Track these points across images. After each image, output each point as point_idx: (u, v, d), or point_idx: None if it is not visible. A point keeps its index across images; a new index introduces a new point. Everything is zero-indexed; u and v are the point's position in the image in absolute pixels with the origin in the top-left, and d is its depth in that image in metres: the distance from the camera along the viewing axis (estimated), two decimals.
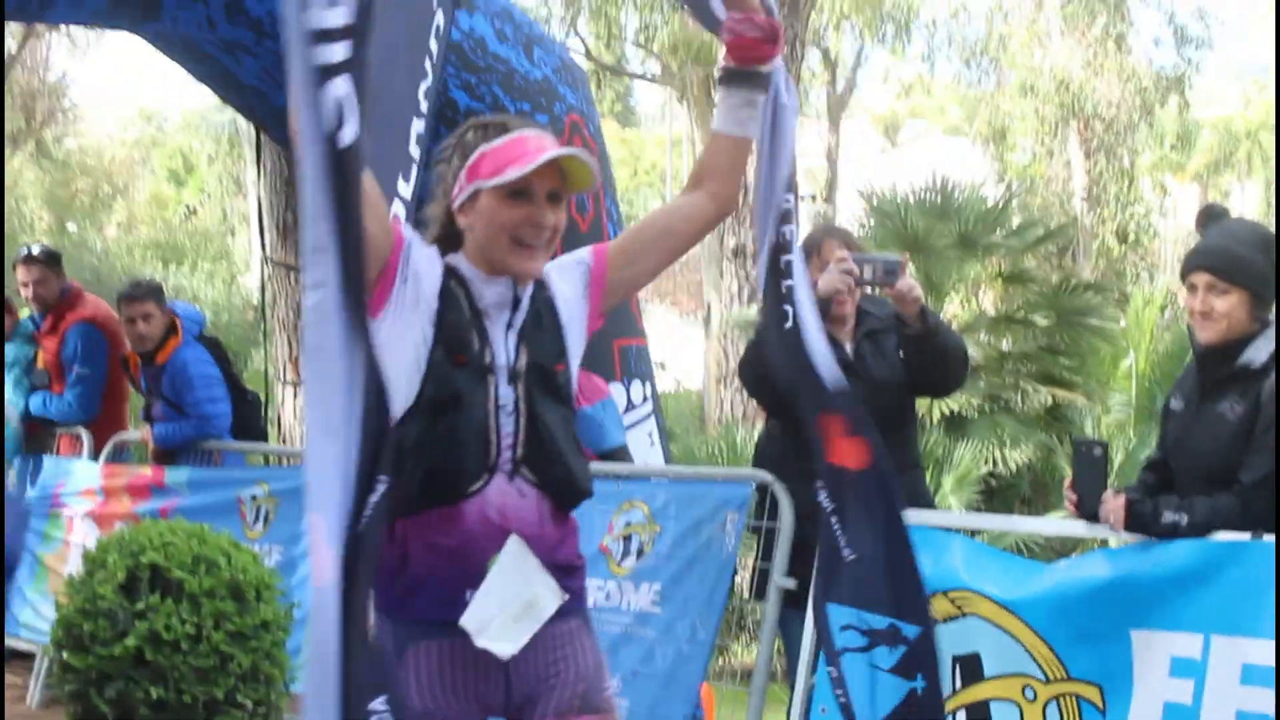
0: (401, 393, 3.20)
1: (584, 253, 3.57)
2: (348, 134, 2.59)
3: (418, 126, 6.72)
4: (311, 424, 2.57)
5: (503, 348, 3.32)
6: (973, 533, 5.77)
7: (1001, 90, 30.58)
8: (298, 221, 9.48)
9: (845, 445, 3.74)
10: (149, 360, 8.47)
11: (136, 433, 8.70)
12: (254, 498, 7.83)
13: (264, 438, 8.86)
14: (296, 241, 9.86)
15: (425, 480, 3.21)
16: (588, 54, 28.34)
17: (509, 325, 3.35)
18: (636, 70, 31.80)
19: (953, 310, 11.39)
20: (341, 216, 2.59)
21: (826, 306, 5.64)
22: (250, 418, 8.71)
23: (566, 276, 3.51)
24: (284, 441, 10.04)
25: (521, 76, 8.43)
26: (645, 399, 8.23)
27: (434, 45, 6.92)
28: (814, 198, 30.48)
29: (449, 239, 3.40)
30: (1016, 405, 10.59)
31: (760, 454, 6.20)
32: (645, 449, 8.25)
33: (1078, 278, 13.84)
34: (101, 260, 24.51)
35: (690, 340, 27.46)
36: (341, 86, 2.59)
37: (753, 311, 12.14)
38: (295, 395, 10.02)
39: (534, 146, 3.26)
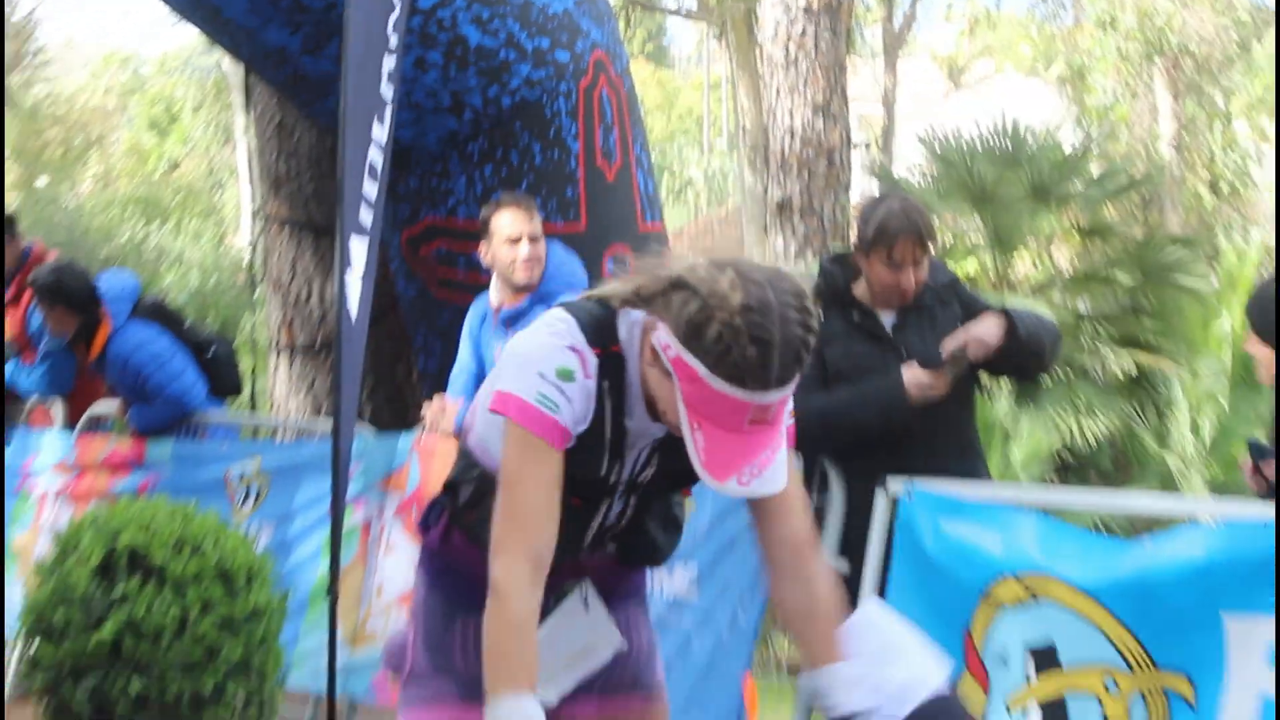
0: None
1: None
2: None
3: (388, 64, 6.71)
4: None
5: (632, 463, 3.27)
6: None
7: (1080, 26, 30.33)
8: (291, 172, 9.46)
9: None
10: (86, 353, 8.48)
11: (110, 404, 8.68)
12: (243, 475, 7.83)
13: (238, 389, 8.83)
14: (290, 194, 9.89)
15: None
16: None
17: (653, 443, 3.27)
18: (669, 5, 31.74)
19: (1024, 268, 11.34)
20: None
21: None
22: (219, 373, 8.62)
23: None
24: (276, 413, 10.02)
25: (539, 10, 8.39)
26: None
27: None
28: (868, 146, 30.41)
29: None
30: (1095, 372, 10.54)
31: None
32: None
33: (1164, 231, 13.76)
34: (75, 218, 24.51)
35: None
36: None
37: (799, 270, 12.09)
38: (290, 363, 9.99)
39: (745, 419, 2.93)
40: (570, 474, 3.13)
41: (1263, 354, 4.65)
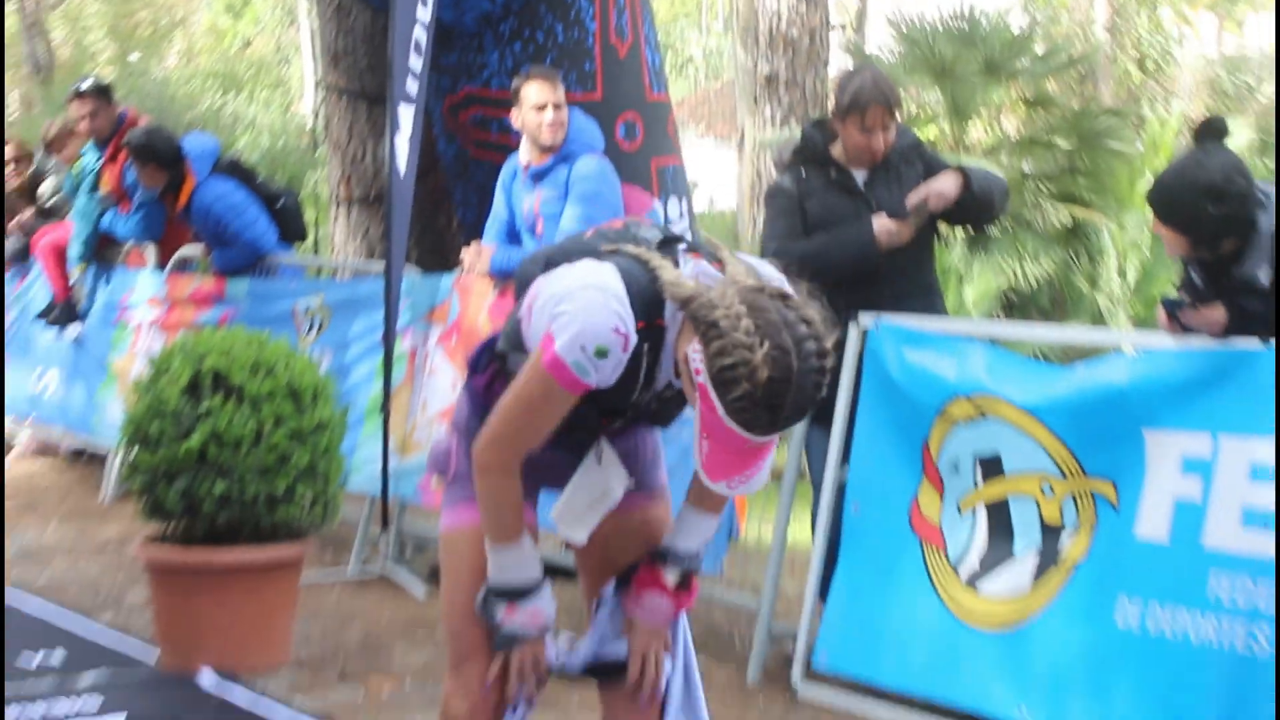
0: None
1: None
2: None
3: None
4: None
5: (657, 387, 3.21)
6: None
7: None
8: (348, 48, 9.40)
9: None
10: (174, 204, 8.58)
11: (195, 248, 8.74)
12: (308, 308, 7.85)
13: (304, 235, 8.88)
14: (347, 67, 9.82)
15: None
16: None
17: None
18: None
19: (978, 134, 11.24)
20: None
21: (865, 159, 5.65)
22: (287, 221, 8.67)
23: None
24: (336, 256, 10.04)
25: None
26: (681, 215, 8.18)
27: None
28: (844, 27, 30.03)
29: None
30: (1037, 223, 10.49)
31: None
32: None
33: (1098, 103, 13.60)
34: (163, 88, 24.31)
35: (724, 163, 27.18)
36: None
37: (784, 135, 12.01)
38: (348, 214, 9.98)
39: (746, 445, 2.91)
40: (599, 402, 3.12)
41: (1165, 233, 4.65)
